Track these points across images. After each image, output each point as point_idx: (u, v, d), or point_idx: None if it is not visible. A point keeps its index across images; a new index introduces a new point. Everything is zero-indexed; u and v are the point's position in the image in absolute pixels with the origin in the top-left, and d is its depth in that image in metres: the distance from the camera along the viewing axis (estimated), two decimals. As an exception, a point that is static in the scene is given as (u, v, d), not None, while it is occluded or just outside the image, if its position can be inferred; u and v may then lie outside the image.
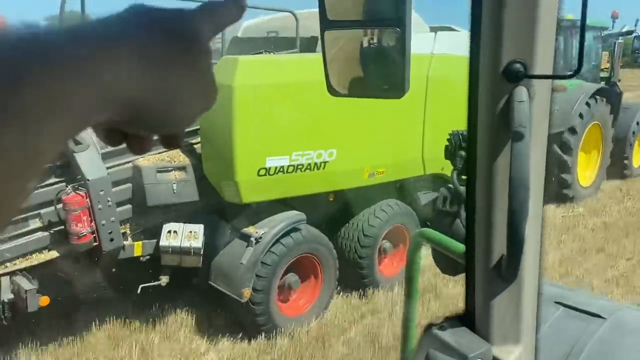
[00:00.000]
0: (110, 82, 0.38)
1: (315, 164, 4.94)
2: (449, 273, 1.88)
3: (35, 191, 4.13)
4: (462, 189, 1.68)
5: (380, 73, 1.06)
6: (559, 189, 8.53)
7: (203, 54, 0.47)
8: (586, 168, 9.15)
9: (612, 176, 9.76)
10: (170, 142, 0.50)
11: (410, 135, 5.72)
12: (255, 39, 6.49)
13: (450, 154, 1.78)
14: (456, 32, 6.66)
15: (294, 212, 5.06)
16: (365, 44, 1.03)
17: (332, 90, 1.08)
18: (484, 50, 0.88)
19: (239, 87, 4.38)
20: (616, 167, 9.75)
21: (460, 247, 1.36)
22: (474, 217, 0.98)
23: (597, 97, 8.75)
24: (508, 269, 0.93)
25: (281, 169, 4.73)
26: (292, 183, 4.85)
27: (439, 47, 6.14)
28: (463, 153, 1.70)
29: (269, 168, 4.66)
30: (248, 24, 6.74)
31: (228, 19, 0.52)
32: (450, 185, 1.77)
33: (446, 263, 1.66)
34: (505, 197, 0.88)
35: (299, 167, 4.84)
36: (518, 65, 0.85)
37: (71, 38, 0.38)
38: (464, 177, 1.77)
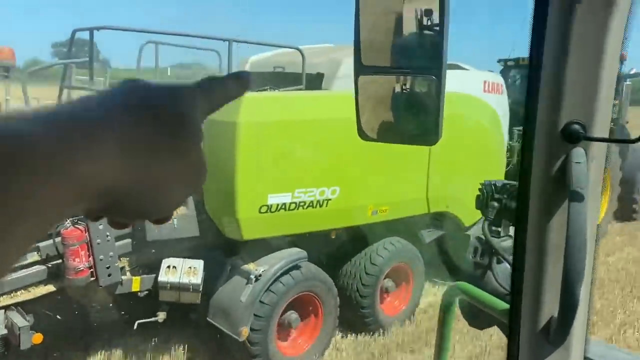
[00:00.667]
0: (87, 175, 0.35)
1: (318, 201, 4.90)
2: (477, 326, 1.85)
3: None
4: (495, 240, 1.66)
5: (413, 119, 1.07)
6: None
7: (193, 136, 0.43)
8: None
9: (619, 219, 9.63)
10: (157, 222, 0.46)
11: (415, 173, 5.69)
12: (261, 73, 6.54)
13: (482, 203, 1.76)
14: (463, 70, 6.69)
15: (295, 249, 5.00)
16: (398, 90, 1.04)
17: (362, 134, 1.08)
18: (542, 109, 0.88)
19: (243, 124, 4.38)
20: (624, 210, 9.60)
21: (501, 304, 1.33)
22: (522, 275, 0.96)
23: None
24: (558, 332, 0.91)
25: (283, 206, 4.69)
26: (293, 220, 4.81)
27: (447, 85, 6.16)
28: (496, 204, 1.71)
29: (271, 205, 4.63)
30: (255, 59, 6.80)
31: (229, 95, 0.49)
32: (482, 236, 1.71)
33: (476, 316, 1.63)
34: (558, 257, 0.87)
35: (301, 204, 4.80)
36: (577, 127, 0.85)
37: (44, 129, 0.34)
38: (495, 228, 1.71)
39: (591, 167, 0.88)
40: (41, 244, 4.17)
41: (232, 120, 4.38)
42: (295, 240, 5.08)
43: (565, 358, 0.96)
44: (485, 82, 6.55)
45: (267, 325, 4.71)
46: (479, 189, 1.81)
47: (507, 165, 7.13)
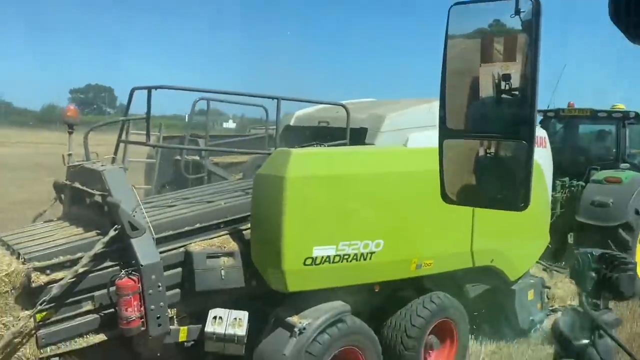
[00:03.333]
0: None
1: (362, 254, 4.93)
2: None
3: (91, 274, 4.32)
4: (594, 313, 1.58)
5: (500, 184, 1.05)
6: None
7: None
8: (645, 264, 8.69)
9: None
10: None
11: (459, 226, 5.65)
12: (306, 128, 6.75)
13: (578, 274, 1.69)
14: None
15: (339, 302, 5.00)
16: (482, 153, 1.04)
17: (446, 198, 1.10)
18: None
19: (290, 179, 4.51)
20: None
21: None
22: None
23: None
24: None
25: (327, 259, 4.74)
26: (338, 273, 4.84)
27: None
28: (593, 274, 1.64)
29: (316, 257, 4.68)
30: (300, 114, 7.05)
31: None
32: (579, 308, 1.64)
33: None
34: None
35: (346, 257, 4.84)
36: None
37: None
38: (594, 300, 1.62)
39: None
40: (96, 293, 4.34)
41: (280, 174, 4.53)
42: (339, 293, 5.09)
43: None
44: (529, 135, 6.56)
45: (311, 378, 4.67)
46: (575, 258, 1.73)
47: (552, 217, 7.02)
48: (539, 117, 9.48)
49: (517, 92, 0.96)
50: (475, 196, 1.10)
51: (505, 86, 0.97)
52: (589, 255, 1.64)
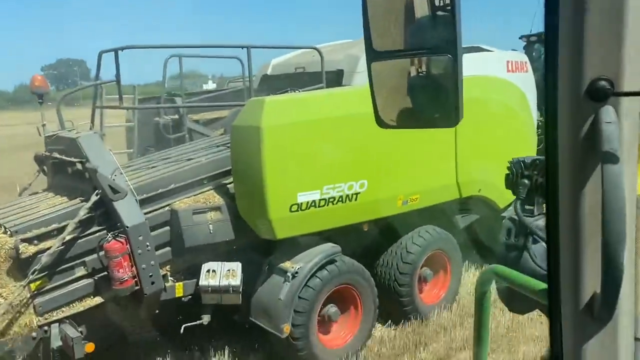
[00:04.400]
0: None
1: (347, 195, 4.97)
2: (518, 311, 1.79)
3: (79, 240, 4.38)
4: (528, 220, 1.61)
5: (432, 102, 1.02)
6: None
7: None
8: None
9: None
10: None
11: (443, 159, 5.68)
12: (284, 75, 6.66)
13: (511, 183, 1.72)
14: (486, 52, 6.62)
15: (329, 244, 5.09)
16: (414, 73, 1.01)
17: (380, 123, 1.06)
18: (562, 68, 0.80)
19: (266, 128, 4.49)
20: None
21: (539, 284, 1.28)
22: (557, 252, 0.88)
23: None
24: (603, 308, 0.84)
25: (313, 204, 4.79)
26: (324, 216, 4.90)
27: (467, 68, 6.10)
28: (526, 181, 1.66)
29: (301, 203, 4.73)
30: (277, 62, 6.93)
31: None
32: (514, 217, 1.67)
33: (515, 300, 1.58)
34: (596, 227, 0.80)
35: (331, 200, 4.89)
36: (604, 83, 0.77)
37: None
38: (528, 207, 1.66)
39: (624, 125, 0.79)
40: (87, 259, 4.41)
41: (256, 124, 4.50)
42: (329, 236, 5.16)
43: (612, 337, 0.88)
44: (508, 61, 6.48)
45: (308, 320, 4.82)
46: (508, 168, 1.76)
47: (539, 143, 7.02)
48: (522, 43, 9.31)
49: (441, 7, 0.94)
50: (411, 117, 1.07)
51: (429, 1, 0.95)
52: (522, 163, 1.65)
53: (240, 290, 4.76)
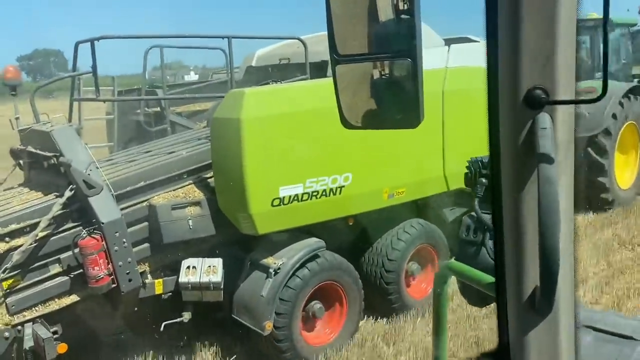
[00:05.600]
0: None
1: (331, 189, 4.86)
2: (477, 304, 1.87)
3: (53, 237, 4.24)
4: (486, 217, 1.67)
5: (394, 104, 1.07)
6: (596, 194, 8.15)
7: None
8: (624, 170, 8.73)
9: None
10: None
11: (429, 151, 5.57)
12: (268, 66, 6.52)
13: (470, 181, 1.78)
14: (473, 42, 6.52)
15: (313, 239, 4.98)
16: (377, 76, 1.05)
17: (345, 123, 1.10)
18: (503, 78, 0.87)
19: (246, 120, 4.36)
20: None
21: (489, 278, 1.33)
22: (502, 247, 0.95)
23: (631, 95, 8.39)
24: (543, 301, 0.90)
25: (295, 198, 4.67)
26: (307, 211, 4.78)
27: (453, 59, 6.01)
28: (484, 180, 1.72)
29: (283, 197, 4.61)
30: (261, 53, 6.80)
31: None
32: (473, 214, 1.73)
33: (474, 294, 1.64)
34: (534, 225, 0.86)
35: (314, 194, 4.77)
36: (539, 92, 0.84)
37: None
38: (486, 204, 1.69)
39: (559, 131, 0.86)
40: (62, 256, 4.28)
41: (236, 116, 4.37)
42: (313, 231, 5.05)
43: (554, 327, 0.95)
44: (496, 51, 6.37)
45: (291, 318, 4.71)
46: (466, 167, 1.81)
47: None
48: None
49: (402, 11, 0.97)
50: (375, 119, 1.11)
51: (391, 6, 0.98)
52: (480, 162, 1.69)
53: (222, 286, 4.65)
